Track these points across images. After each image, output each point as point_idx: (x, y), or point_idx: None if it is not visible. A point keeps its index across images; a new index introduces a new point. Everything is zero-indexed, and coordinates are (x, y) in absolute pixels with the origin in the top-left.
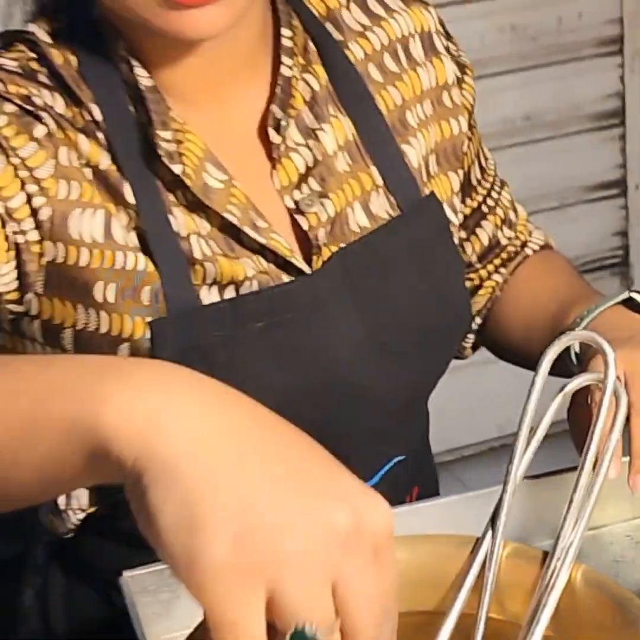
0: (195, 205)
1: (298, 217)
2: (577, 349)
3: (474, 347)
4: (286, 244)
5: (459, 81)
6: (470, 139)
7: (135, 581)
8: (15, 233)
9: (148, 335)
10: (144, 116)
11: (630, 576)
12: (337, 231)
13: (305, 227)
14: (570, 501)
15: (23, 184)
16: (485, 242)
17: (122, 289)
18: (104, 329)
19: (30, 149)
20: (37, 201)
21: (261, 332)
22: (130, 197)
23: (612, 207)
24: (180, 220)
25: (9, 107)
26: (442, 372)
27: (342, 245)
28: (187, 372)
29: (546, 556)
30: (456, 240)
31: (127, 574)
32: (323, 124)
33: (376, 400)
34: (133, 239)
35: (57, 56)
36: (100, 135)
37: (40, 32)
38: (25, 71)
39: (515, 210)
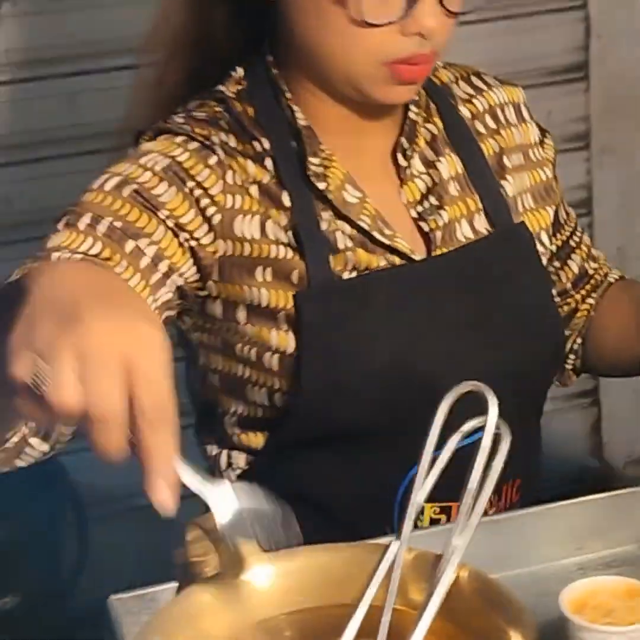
0: (339, 214)
1: (421, 223)
2: None
3: (576, 370)
4: (407, 245)
5: (541, 142)
6: (556, 186)
7: (121, 603)
8: (187, 240)
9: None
10: (301, 147)
11: None
12: (447, 238)
13: (426, 229)
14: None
15: (197, 201)
16: (576, 271)
17: (276, 272)
18: (264, 304)
19: (205, 174)
20: (210, 211)
21: (384, 309)
22: (287, 203)
23: None
24: (327, 222)
25: (192, 145)
26: (543, 381)
27: (452, 248)
28: None
29: (440, 558)
30: (550, 268)
31: (113, 597)
32: (440, 158)
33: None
34: (285, 236)
35: (237, 106)
36: (268, 160)
37: (227, 91)
38: (210, 118)
39: (596, 249)
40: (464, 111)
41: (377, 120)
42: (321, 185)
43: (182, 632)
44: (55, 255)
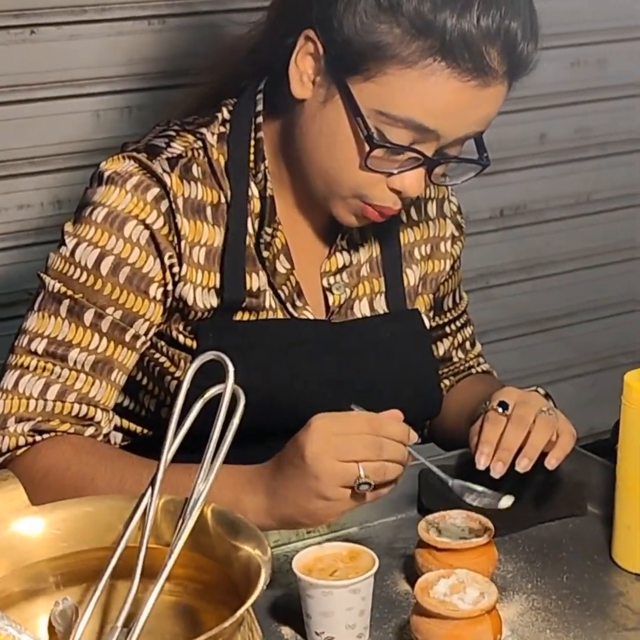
0: (264, 280)
1: (328, 294)
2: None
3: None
4: (312, 315)
5: (454, 238)
6: (450, 277)
7: None
8: (165, 301)
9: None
10: (258, 209)
11: None
12: (343, 312)
13: (330, 302)
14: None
15: (171, 266)
16: (441, 353)
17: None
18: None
19: (174, 241)
20: (176, 275)
21: (269, 352)
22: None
23: None
24: (248, 281)
25: (164, 205)
26: None
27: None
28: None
29: (187, 501)
30: None
31: None
32: (363, 243)
33: None
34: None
35: (214, 154)
36: (224, 213)
37: (209, 135)
38: (185, 162)
39: (472, 345)
40: None
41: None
42: (265, 254)
43: None
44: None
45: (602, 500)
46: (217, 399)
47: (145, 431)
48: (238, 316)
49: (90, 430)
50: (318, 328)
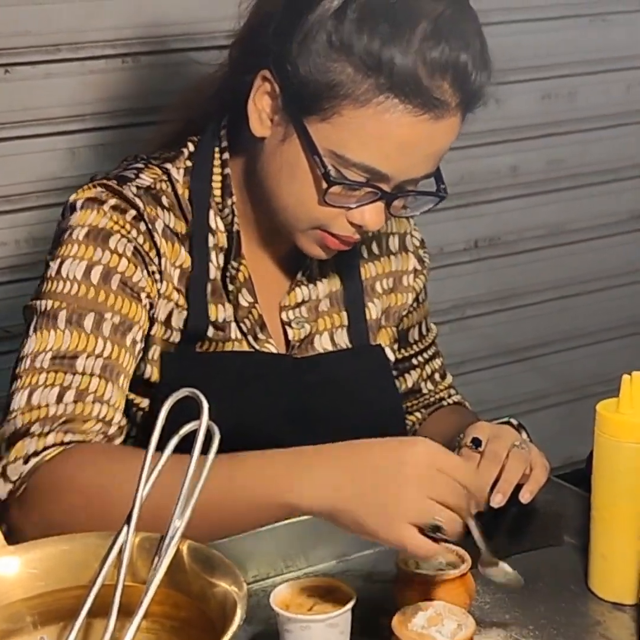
0: (227, 313)
1: (287, 328)
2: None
3: None
4: (274, 348)
5: (417, 272)
6: (415, 310)
7: None
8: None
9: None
10: (225, 243)
11: None
12: (304, 347)
13: (289, 337)
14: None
15: (156, 281)
16: (410, 385)
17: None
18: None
19: (155, 257)
20: (160, 290)
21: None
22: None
23: None
24: (213, 313)
25: (142, 225)
26: None
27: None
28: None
29: (163, 539)
30: None
31: None
32: (323, 279)
33: None
34: (180, 320)
35: (179, 188)
36: (186, 244)
37: (174, 170)
38: (155, 192)
39: (443, 376)
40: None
41: (284, 243)
42: (231, 287)
43: None
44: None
45: (578, 530)
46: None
47: None
48: (204, 346)
49: (113, 429)
50: (279, 362)
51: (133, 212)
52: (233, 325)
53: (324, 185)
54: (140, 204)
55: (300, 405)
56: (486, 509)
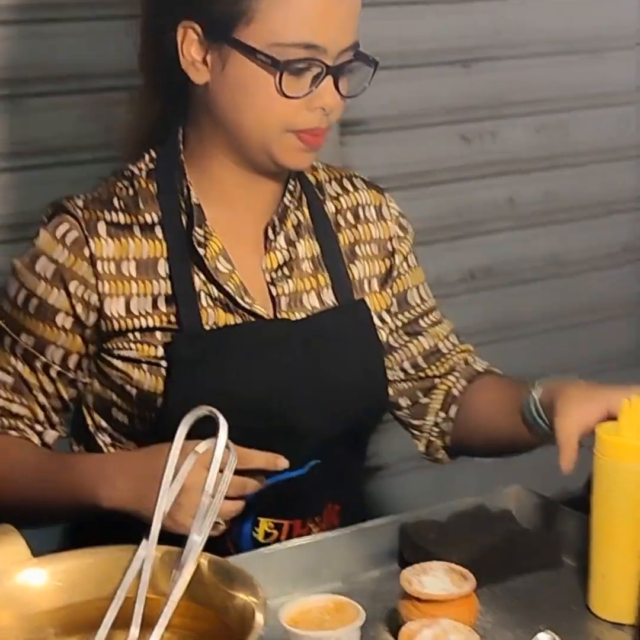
0: (210, 278)
1: (271, 288)
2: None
3: (446, 449)
4: (263, 310)
5: (400, 237)
6: (407, 272)
7: None
8: (79, 324)
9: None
10: (190, 220)
11: None
12: (293, 304)
13: (273, 293)
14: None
15: (81, 295)
16: (427, 347)
17: (143, 334)
18: (132, 356)
19: (83, 267)
20: (93, 298)
21: (242, 356)
22: (163, 272)
23: None
24: (199, 283)
25: (71, 236)
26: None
27: (298, 314)
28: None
29: (182, 552)
30: (399, 341)
31: None
32: (300, 240)
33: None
34: (151, 303)
35: (142, 183)
36: (157, 229)
37: (136, 170)
38: (106, 198)
39: (459, 339)
40: (330, 206)
41: (259, 201)
42: (201, 251)
43: None
44: None
45: (577, 552)
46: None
47: (120, 444)
48: (202, 319)
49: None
50: (277, 327)
51: (66, 226)
52: (202, 293)
53: (277, 77)
54: (80, 213)
55: (304, 367)
56: (493, 530)
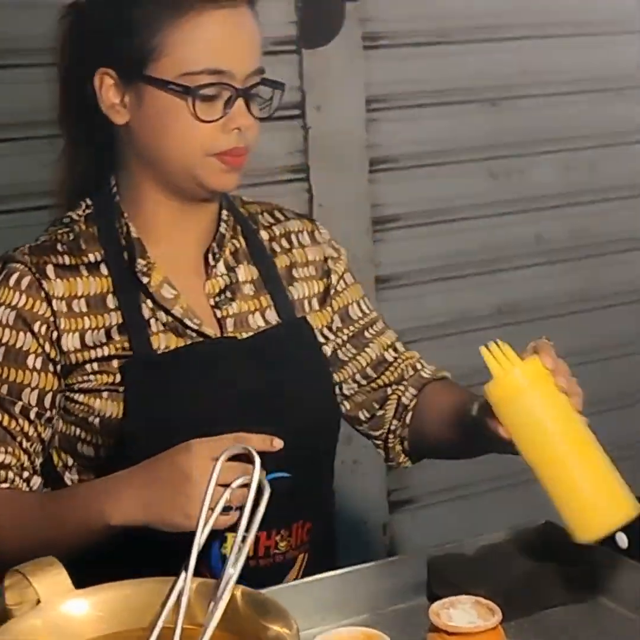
0: (157, 304)
1: (216, 311)
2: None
3: (405, 453)
4: (211, 331)
5: (334, 258)
6: (345, 290)
7: None
8: (48, 361)
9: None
10: (132, 254)
11: None
12: (239, 324)
13: (218, 316)
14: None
15: (45, 333)
16: (374, 357)
17: (100, 364)
18: (92, 386)
19: (42, 308)
20: (54, 335)
21: (192, 376)
22: (112, 304)
23: None
24: (147, 310)
25: (25, 281)
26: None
27: (245, 334)
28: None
29: (219, 585)
30: (347, 355)
31: None
32: (239, 265)
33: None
34: (104, 335)
35: (82, 227)
36: (103, 266)
37: (74, 216)
38: (49, 244)
39: (402, 346)
40: (264, 234)
41: (194, 231)
42: (145, 280)
43: None
44: None
45: (606, 587)
46: None
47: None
48: (154, 345)
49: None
50: (224, 345)
51: (17, 274)
52: (152, 321)
53: (190, 103)
54: (27, 259)
55: (254, 383)
56: (519, 563)
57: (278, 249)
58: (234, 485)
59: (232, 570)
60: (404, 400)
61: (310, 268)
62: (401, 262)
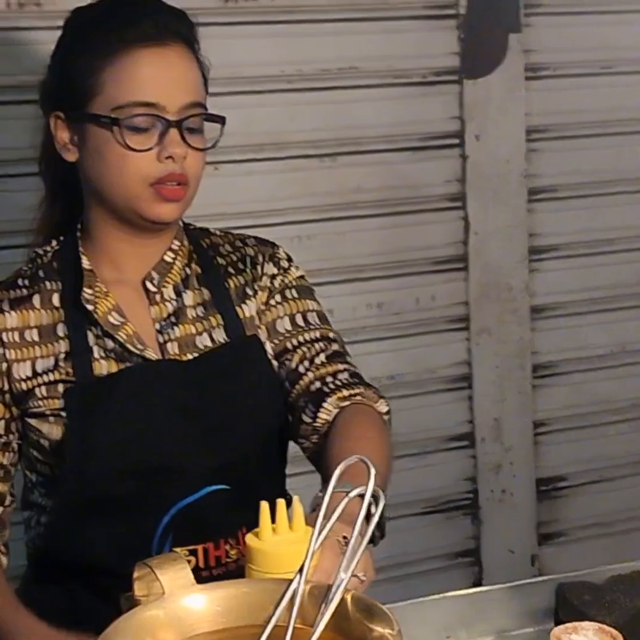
0: (104, 332)
1: (158, 335)
2: None
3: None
4: (154, 355)
5: (275, 275)
6: (279, 304)
7: None
8: None
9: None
10: (80, 283)
11: None
12: (185, 347)
13: (160, 341)
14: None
15: None
16: (291, 369)
17: (48, 389)
18: (40, 411)
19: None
20: (3, 366)
21: (127, 397)
22: (62, 332)
23: (464, 456)
24: (93, 337)
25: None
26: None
27: (190, 355)
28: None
29: (330, 588)
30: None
31: None
32: (187, 291)
33: (189, 469)
34: (53, 362)
35: (45, 260)
36: (55, 296)
37: (40, 251)
38: (11, 281)
39: (328, 359)
40: (221, 260)
41: (141, 258)
42: (89, 307)
43: (140, 637)
44: None
45: None
46: None
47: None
48: (96, 370)
49: None
50: (163, 367)
51: None
52: (95, 349)
53: (122, 134)
54: None
55: (192, 402)
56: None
57: (233, 271)
58: (351, 494)
59: (344, 575)
60: (305, 418)
61: (258, 285)
62: (558, 292)
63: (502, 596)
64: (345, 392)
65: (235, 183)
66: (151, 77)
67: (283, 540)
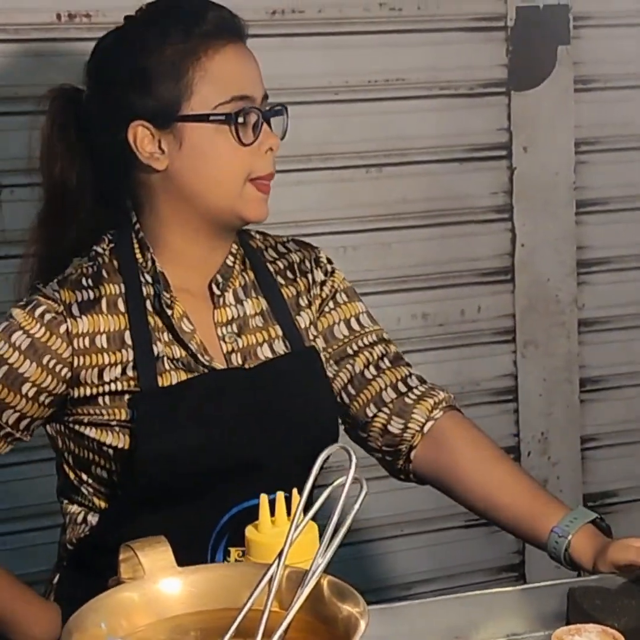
0: (175, 337)
1: (222, 344)
2: None
3: (403, 472)
4: (220, 366)
5: (324, 282)
6: (330, 311)
7: None
8: (47, 396)
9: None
10: (156, 287)
11: None
12: (247, 357)
13: (224, 350)
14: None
15: (53, 368)
16: (353, 374)
17: (113, 398)
18: (104, 420)
19: (57, 343)
20: (63, 371)
21: (197, 405)
22: (129, 340)
23: None
24: (162, 344)
25: (48, 316)
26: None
27: (252, 365)
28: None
29: (307, 573)
30: (330, 373)
31: None
32: (247, 299)
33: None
34: (120, 369)
35: (106, 259)
36: (120, 301)
37: (99, 249)
38: (76, 278)
39: (393, 363)
40: (270, 267)
41: (211, 262)
42: (169, 312)
43: (115, 618)
44: None
45: None
46: None
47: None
48: (159, 381)
49: None
50: (232, 376)
51: (42, 308)
52: (168, 356)
53: (233, 129)
54: (58, 296)
55: (257, 409)
56: None
57: (283, 282)
58: (334, 483)
59: (321, 560)
60: (392, 429)
61: (311, 294)
62: (607, 306)
63: (513, 599)
64: (430, 401)
65: (282, 193)
66: (240, 71)
67: (281, 533)
